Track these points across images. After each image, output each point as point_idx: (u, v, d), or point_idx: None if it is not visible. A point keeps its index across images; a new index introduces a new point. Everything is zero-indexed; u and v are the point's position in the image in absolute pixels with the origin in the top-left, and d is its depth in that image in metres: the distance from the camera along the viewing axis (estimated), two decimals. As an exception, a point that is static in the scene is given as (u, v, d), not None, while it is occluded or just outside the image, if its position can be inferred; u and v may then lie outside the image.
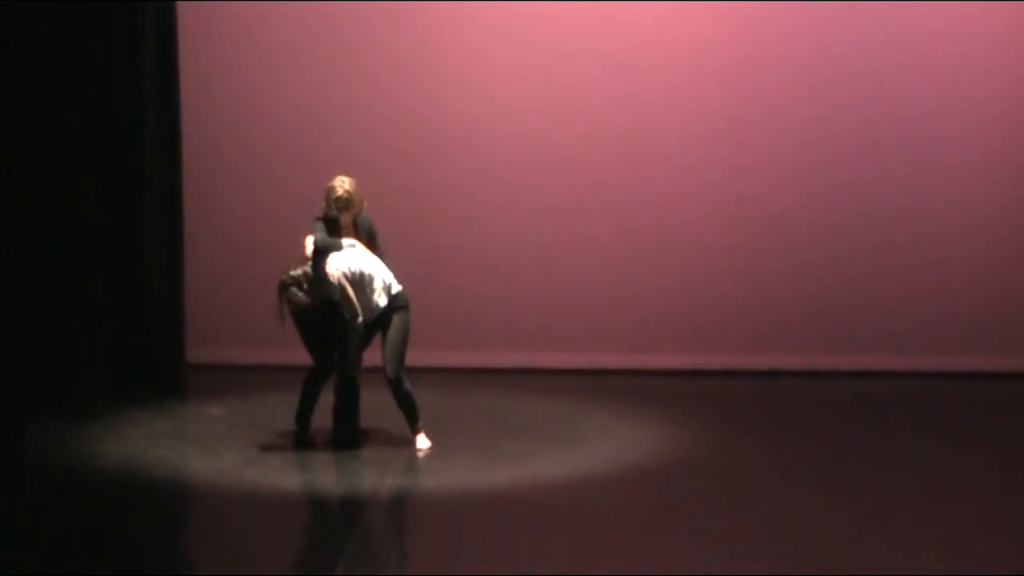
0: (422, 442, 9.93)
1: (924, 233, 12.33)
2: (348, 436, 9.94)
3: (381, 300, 9.81)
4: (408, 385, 9.82)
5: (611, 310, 12.44)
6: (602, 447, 10.09)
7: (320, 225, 9.96)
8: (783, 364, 12.33)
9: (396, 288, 9.90)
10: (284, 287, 9.64)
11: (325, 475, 9.56)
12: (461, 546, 8.25)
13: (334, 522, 8.87)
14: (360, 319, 9.71)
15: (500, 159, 12.41)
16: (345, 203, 9.95)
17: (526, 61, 12.35)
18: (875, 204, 12.33)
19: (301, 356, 10.21)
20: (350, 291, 9.71)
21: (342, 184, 9.98)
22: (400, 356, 9.80)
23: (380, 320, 9.84)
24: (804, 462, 9.98)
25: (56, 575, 7.63)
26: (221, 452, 9.82)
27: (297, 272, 9.68)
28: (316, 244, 9.85)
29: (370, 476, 9.50)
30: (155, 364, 11.91)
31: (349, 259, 9.81)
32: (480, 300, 12.42)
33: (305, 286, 9.65)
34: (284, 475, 9.39)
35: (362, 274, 9.78)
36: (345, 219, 10.00)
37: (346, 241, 9.92)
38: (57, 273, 11.02)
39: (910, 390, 11.95)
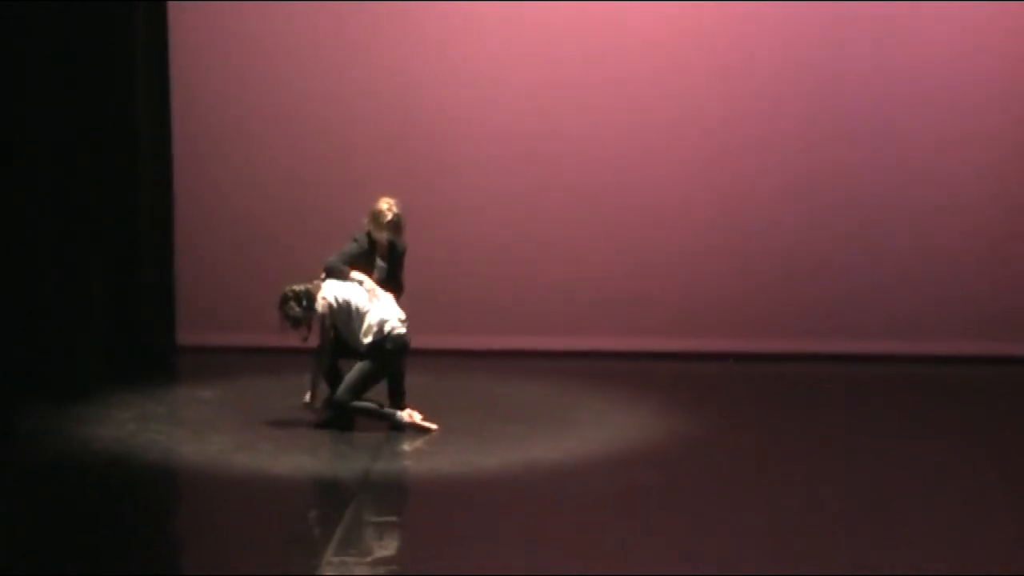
0: (405, 416, 9.92)
1: (920, 218, 12.35)
2: (339, 419, 10.00)
3: (366, 339, 9.86)
4: (355, 403, 9.89)
5: (603, 293, 12.44)
6: (594, 431, 10.08)
7: (355, 246, 10.05)
8: (777, 347, 12.34)
9: (393, 328, 9.90)
10: (284, 301, 9.83)
11: (316, 459, 9.54)
12: (452, 530, 8.24)
13: (325, 506, 8.86)
14: (325, 355, 9.88)
15: (492, 144, 12.41)
16: (398, 225, 10.04)
17: (522, 48, 12.35)
18: (870, 189, 12.35)
19: (292, 340, 10.24)
20: (327, 322, 9.83)
21: (391, 208, 10.04)
22: (353, 385, 9.88)
23: (366, 356, 9.88)
24: (799, 446, 9.97)
25: (45, 559, 7.61)
26: (212, 435, 9.81)
27: (299, 288, 9.87)
28: (326, 267, 9.96)
29: (361, 460, 9.48)
30: (146, 347, 11.92)
31: (343, 291, 9.88)
32: (472, 283, 12.42)
33: (304, 303, 9.81)
34: (275, 458, 9.37)
35: (350, 308, 9.84)
36: (382, 238, 10.03)
37: (356, 275, 9.95)
38: (49, 257, 11.01)
39: (906, 374, 11.95)
